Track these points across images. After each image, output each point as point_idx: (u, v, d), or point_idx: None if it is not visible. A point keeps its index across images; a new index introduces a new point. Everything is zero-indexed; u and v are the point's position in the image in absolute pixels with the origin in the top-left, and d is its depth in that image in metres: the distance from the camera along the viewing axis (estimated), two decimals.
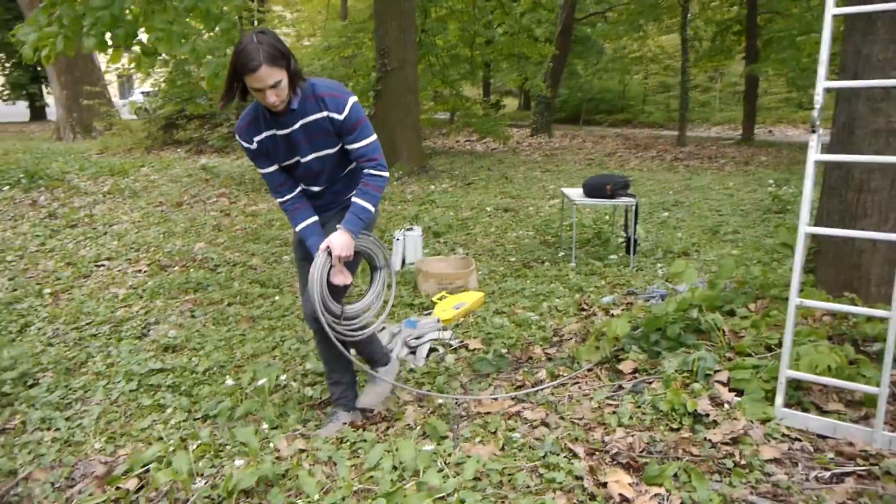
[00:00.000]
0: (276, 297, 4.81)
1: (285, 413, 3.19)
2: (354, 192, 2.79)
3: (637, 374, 3.29)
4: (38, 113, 27.26)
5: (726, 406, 2.83)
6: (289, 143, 2.67)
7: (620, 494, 2.47)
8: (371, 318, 3.09)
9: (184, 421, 3.21)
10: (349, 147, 2.71)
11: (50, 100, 24.39)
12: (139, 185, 9.59)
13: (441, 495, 2.52)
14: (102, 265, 5.95)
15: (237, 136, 2.70)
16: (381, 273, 3.10)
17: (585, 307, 4.29)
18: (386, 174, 2.79)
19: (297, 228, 2.82)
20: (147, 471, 2.78)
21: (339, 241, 2.71)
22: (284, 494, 2.59)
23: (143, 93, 16.53)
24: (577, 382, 3.35)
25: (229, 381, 3.40)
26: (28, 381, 3.70)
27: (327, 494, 2.58)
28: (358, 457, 2.84)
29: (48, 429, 3.22)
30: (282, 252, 6.00)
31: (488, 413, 3.12)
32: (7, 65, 25.81)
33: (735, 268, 3.79)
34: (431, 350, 3.78)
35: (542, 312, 4.27)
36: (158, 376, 3.65)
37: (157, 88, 14.46)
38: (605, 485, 2.54)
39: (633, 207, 5.27)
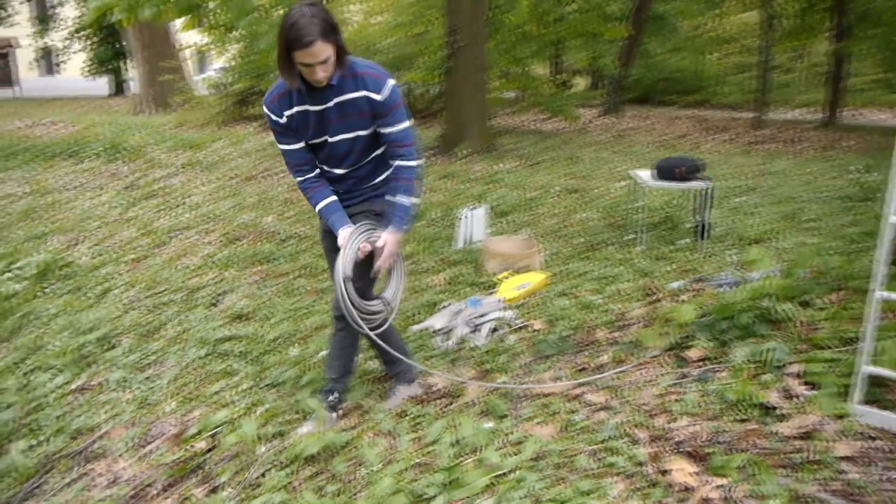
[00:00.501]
0: None
1: (350, 386, 3.25)
2: (391, 189, 2.69)
3: (704, 363, 3.21)
4: (119, 88, 28.36)
5: (798, 399, 2.74)
6: (321, 119, 2.56)
7: (683, 483, 2.42)
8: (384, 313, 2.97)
9: (251, 387, 3.31)
10: (382, 130, 2.60)
11: (130, 75, 25.37)
12: (213, 159, 9.88)
13: (499, 473, 2.54)
14: (177, 235, 6.18)
15: (265, 109, 2.58)
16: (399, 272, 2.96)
17: (652, 292, 4.20)
18: (418, 162, 2.68)
19: (318, 207, 2.71)
20: (216, 433, 2.90)
21: (396, 239, 2.68)
22: (346, 463, 2.65)
23: (217, 69, 16.99)
24: (641, 368, 3.29)
25: (294, 351, 3.48)
26: (108, 343, 3.89)
27: (388, 465, 2.63)
28: (418, 431, 2.88)
29: (125, 389, 3.38)
30: None
31: (549, 394, 3.11)
32: (93, 40, 26.88)
33: (813, 257, 3.64)
34: (494, 329, 3.78)
35: (607, 296, 4.21)
36: (228, 344, 3.78)
37: (230, 64, 14.81)
38: (667, 472, 2.50)
39: (706, 191, 5.11)
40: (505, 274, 4.55)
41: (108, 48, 26.78)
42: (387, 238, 2.66)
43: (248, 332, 3.91)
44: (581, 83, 28.87)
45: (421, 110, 15.77)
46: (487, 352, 3.54)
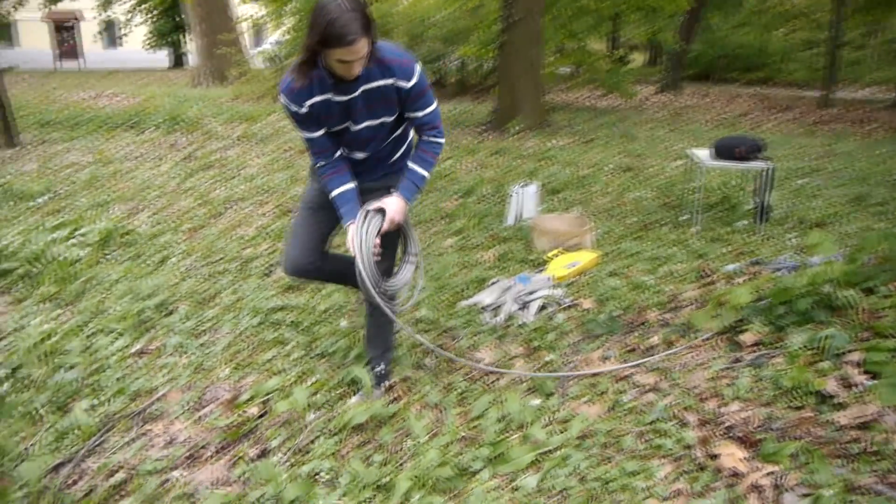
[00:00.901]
0: None
1: (397, 358, 3.29)
2: (411, 157, 2.63)
3: (758, 347, 3.14)
4: (178, 60, 28.93)
5: (857, 388, 2.65)
6: (346, 109, 2.45)
7: (732, 468, 2.39)
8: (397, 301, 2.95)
9: (302, 357, 3.38)
10: (411, 115, 2.53)
11: (189, 48, 25.84)
12: (267, 132, 10.02)
13: (545, 450, 2.54)
14: (232, 206, 6.31)
15: (283, 99, 2.43)
16: (410, 263, 2.91)
17: (706, 274, 4.11)
18: (443, 140, 2.63)
19: (333, 194, 2.60)
20: (268, 400, 2.97)
21: (396, 206, 2.56)
22: (393, 434, 2.69)
23: (273, 42, 17.16)
24: (693, 350, 3.24)
25: (343, 323, 3.52)
26: (166, 309, 4.02)
27: (434, 438, 2.66)
28: (465, 405, 2.90)
29: (182, 354, 3.49)
30: None
31: (597, 373, 3.08)
32: (154, 14, 27.43)
33: (879, 242, 3.49)
34: (542, 307, 3.76)
35: (660, 277, 4.13)
36: (281, 313, 3.86)
37: (285, 38, 14.93)
38: (716, 457, 2.46)
39: (767, 172, 4.94)
40: (555, 252, 4.51)
41: (168, 21, 27.32)
42: (390, 201, 2.57)
43: (299, 303, 3.98)
44: (638, 59, 28.15)
45: (474, 85, 15.66)
46: (535, 329, 3.53)
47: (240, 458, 2.60)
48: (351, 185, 2.62)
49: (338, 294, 4.09)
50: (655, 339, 3.37)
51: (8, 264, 4.61)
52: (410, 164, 2.61)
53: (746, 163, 4.93)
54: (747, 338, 3.18)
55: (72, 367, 3.29)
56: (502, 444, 2.54)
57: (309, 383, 3.06)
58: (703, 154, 5.19)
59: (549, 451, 2.54)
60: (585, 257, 4.36)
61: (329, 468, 2.49)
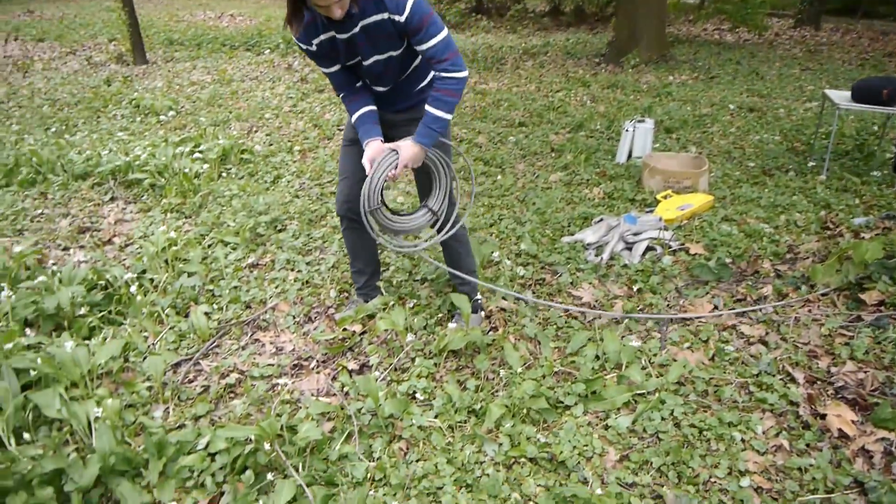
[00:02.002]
0: (498, 177, 4.89)
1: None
2: (428, 98, 2.51)
3: (882, 308, 2.94)
4: None
5: None
6: (350, 45, 2.45)
7: (840, 430, 2.28)
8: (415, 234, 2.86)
9: (405, 280, 3.46)
10: (418, 48, 2.42)
11: None
12: None
13: (640, 392, 2.51)
14: (343, 130, 6.42)
15: (295, 39, 2.47)
16: (437, 200, 2.77)
17: (831, 226, 3.84)
18: (461, 73, 2.42)
19: (354, 118, 2.63)
20: (371, 318, 3.08)
21: (409, 151, 2.52)
22: (489, 362, 2.73)
23: None
24: (808, 305, 3.06)
25: None
26: (278, 226, 4.19)
27: (528, 370, 2.68)
28: (562, 341, 2.89)
29: (292, 269, 3.65)
30: (507, 132, 6.03)
31: (701, 319, 2.99)
32: None
33: None
34: (649, 249, 3.65)
35: (778, 225, 3.90)
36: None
37: None
38: (823, 416, 2.36)
39: None
40: (666, 193, 4.34)
41: None
42: (405, 145, 2.52)
43: None
44: None
45: (592, 15, 14.97)
46: (639, 271, 3.44)
47: (341, 371, 2.72)
48: (369, 108, 2.64)
49: None
50: (767, 291, 3.21)
51: (137, 175, 4.93)
52: (426, 106, 2.50)
53: (891, 107, 4.49)
54: (871, 296, 2.97)
55: (192, 275, 3.51)
56: (597, 382, 2.53)
57: (409, 306, 3.14)
58: (840, 96, 4.76)
59: (645, 394, 2.51)
60: (698, 200, 4.17)
61: (425, 388, 2.58)
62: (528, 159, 5.32)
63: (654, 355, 2.74)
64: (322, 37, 2.44)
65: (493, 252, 3.54)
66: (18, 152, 5.53)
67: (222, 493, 2.14)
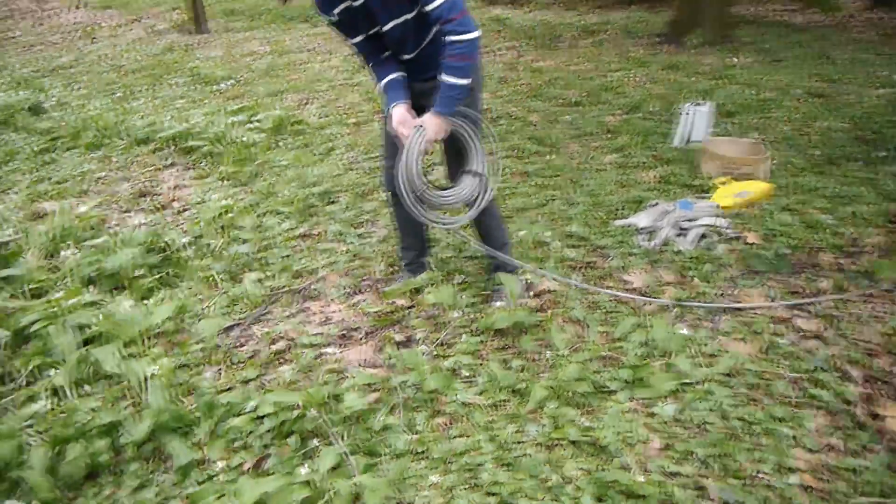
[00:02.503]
0: (551, 157, 4.83)
1: (543, 266, 3.28)
2: (441, 67, 2.49)
3: None
4: None
5: None
6: (366, 12, 2.48)
7: None
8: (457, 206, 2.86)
9: (452, 257, 3.46)
10: (424, 9, 2.39)
11: None
12: None
13: (687, 381, 2.47)
14: None
15: (317, 10, 2.54)
16: (477, 162, 2.78)
17: None
18: (469, 35, 2.37)
19: (381, 85, 2.67)
20: (418, 293, 3.10)
21: (432, 124, 2.54)
22: (534, 343, 2.72)
23: None
24: (869, 301, 2.96)
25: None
26: (329, 198, 4.24)
27: (574, 352, 2.67)
28: (609, 325, 2.86)
29: (342, 241, 3.69)
30: (561, 112, 5.94)
31: (753, 311, 2.92)
32: None
33: None
34: (703, 236, 3.57)
35: (842, 217, 3.76)
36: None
37: None
38: (879, 418, 2.28)
39: None
40: (723, 179, 4.22)
41: None
42: (426, 118, 2.54)
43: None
44: None
45: None
46: (692, 258, 3.37)
47: (387, 344, 2.75)
48: (397, 74, 2.65)
49: None
50: (825, 284, 3.11)
51: (195, 142, 5.03)
52: (440, 75, 2.48)
53: None
54: None
55: (245, 242, 3.59)
56: (643, 369, 2.50)
57: (456, 282, 3.14)
58: None
59: (692, 384, 2.47)
60: (757, 188, 4.04)
61: (469, 365, 2.58)
62: (581, 140, 5.24)
63: (704, 345, 2.68)
64: (340, 6, 2.48)
65: (543, 233, 3.51)
66: (84, 116, 5.71)
67: (268, 456, 2.20)
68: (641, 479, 2.04)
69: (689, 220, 3.63)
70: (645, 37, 9.62)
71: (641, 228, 3.64)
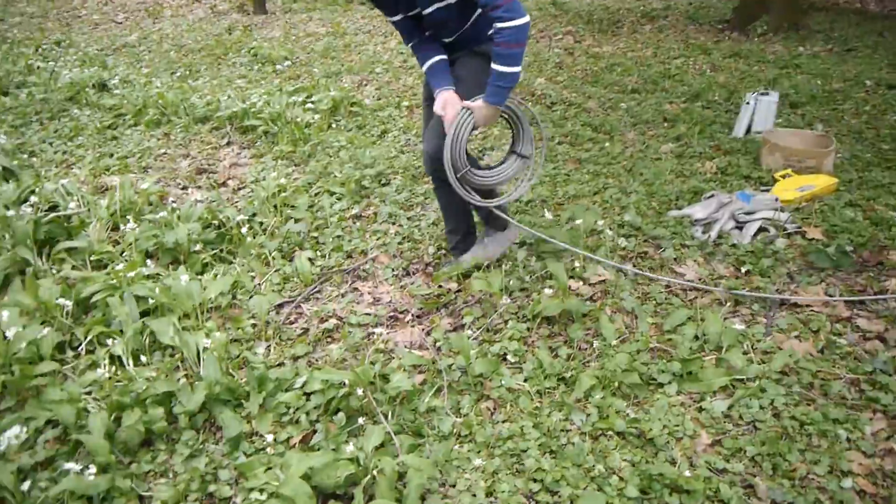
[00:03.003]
0: (606, 144, 4.75)
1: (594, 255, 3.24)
2: (492, 56, 2.44)
3: None
4: None
5: None
6: None
7: None
8: (501, 186, 2.95)
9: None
10: None
11: None
12: None
13: (740, 378, 2.42)
14: None
15: None
16: (524, 144, 2.88)
17: None
18: (518, 21, 2.30)
19: (424, 68, 2.67)
20: (466, 277, 3.10)
21: (482, 114, 2.55)
22: (583, 332, 2.70)
23: None
24: None
25: (548, 215, 3.51)
26: (382, 180, 4.26)
27: (623, 343, 2.64)
28: (660, 317, 2.81)
29: (393, 223, 3.71)
30: (619, 99, 5.83)
31: (811, 307, 2.82)
32: None
33: None
34: (761, 229, 3.47)
35: None
36: None
37: None
38: None
39: None
40: (785, 172, 4.08)
41: None
42: (477, 105, 2.55)
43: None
44: None
45: None
46: (749, 252, 3.27)
47: (435, 327, 2.76)
48: (440, 57, 2.65)
49: (542, 187, 4.07)
50: (891, 284, 2.99)
51: (253, 121, 5.12)
52: (491, 64, 2.46)
53: None
54: None
55: (298, 221, 3.64)
56: (694, 363, 2.45)
57: (505, 268, 3.13)
58: None
59: (744, 380, 2.41)
60: (821, 182, 3.90)
61: (516, 351, 2.58)
62: (638, 128, 5.14)
63: (758, 341, 2.62)
64: None
65: (595, 220, 3.46)
66: (147, 94, 5.87)
67: (315, 431, 2.25)
68: (688, 473, 2.01)
69: (748, 213, 3.53)
70: (708, 23, 9.34)
71: (697, 220, 3.56)
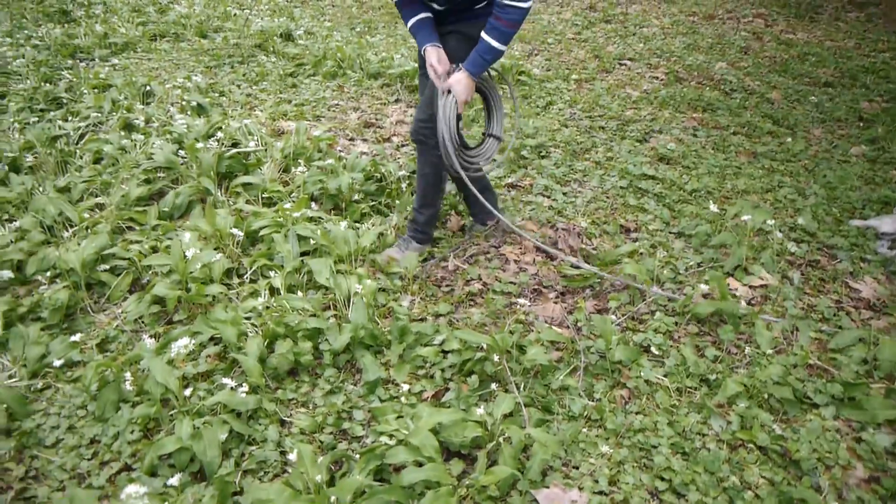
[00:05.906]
0: (788, 139, 4.40)
1: (758, 257, 3.03)
2: (485, 26, 2.42)
3: None
4: None
5: None
6: None
7: None
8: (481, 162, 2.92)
9: (659, 230, 3.31)
10: None
11: None
12: None
13: None
14: (624, 64, 6.18)
15: None
16: (496, 125, 2.92)
17: None
18: (524, 3, 2.32)
19: (409, 25, 2.62)
20: (615, 263, 3.01)
21: (461, 86, 2.51)
22: (735, 335, 2.55)
23: None
24: None
25: (713, 208, 3.33)
26: (542, 152, 4.21)
27: (778, 354, 2.46)
28: (825, 334, 2.59)
29: (547, 196, 3.67)
30: (808, 92, 5.36)
31: None
32: None
33: None
34: None
35: None
36: (648, 182, 3.78)
37: None
38: None
39: None
40: None
41: None
42: (454, 79, 2.52)
43: (669, 176, 3.85)
44: None
45: None
46: None
47: (579, 308, 2.71)
48: (424, 15, 2.60)
49: (710, 177, 3.85)
50: None
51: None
52: (482, 34, 2.45)
53: None
54: None
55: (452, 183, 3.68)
56: (859, 388, 2.24)
57: (659, 257, 3.01)
58: None
59: None
60: None
61: (660, 345, 2.48)
62: (827, 125, 4.70)
63: None
64: None
65: (765, 220, 3.23)
66: (327, 46, 6.14)
67: (447, 389, 2.30)
68: None
69: None
70: None
71: (884, 233, 3.22)
